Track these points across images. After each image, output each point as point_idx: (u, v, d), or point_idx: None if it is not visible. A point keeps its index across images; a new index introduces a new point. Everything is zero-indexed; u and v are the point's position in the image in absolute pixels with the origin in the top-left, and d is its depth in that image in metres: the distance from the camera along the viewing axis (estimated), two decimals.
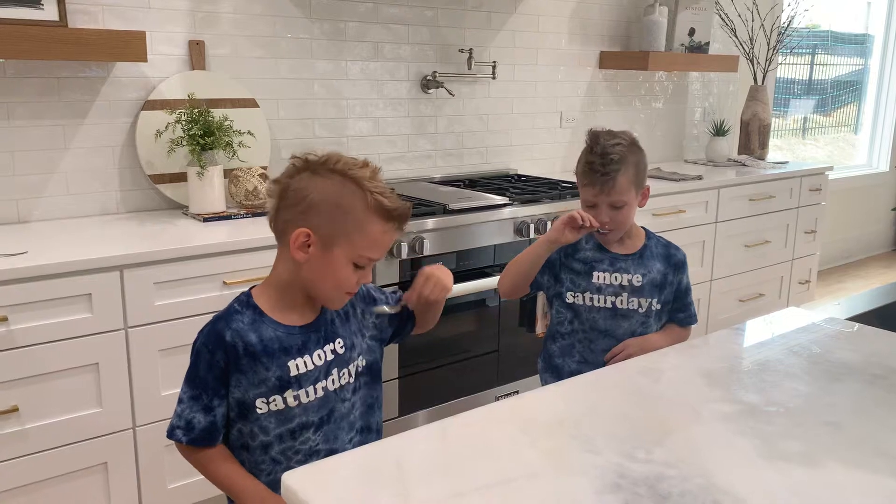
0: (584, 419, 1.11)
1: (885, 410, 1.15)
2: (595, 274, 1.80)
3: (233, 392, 1.25)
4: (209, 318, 2.10)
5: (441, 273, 1.38)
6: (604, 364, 1.76)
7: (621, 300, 1.79)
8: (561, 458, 0.99)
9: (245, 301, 1.28)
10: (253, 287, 1.32)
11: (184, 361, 1.99)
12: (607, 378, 1.29)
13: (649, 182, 3.22)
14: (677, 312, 1.86)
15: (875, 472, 0.97)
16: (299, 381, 1.26)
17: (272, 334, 1.25)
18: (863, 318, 1.71)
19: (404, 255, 2.37)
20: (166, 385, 2.02)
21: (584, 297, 1.81)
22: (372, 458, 1.01)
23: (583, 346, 1.83)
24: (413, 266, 2.42)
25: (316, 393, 1.28)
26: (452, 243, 2.50)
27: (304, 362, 1.26)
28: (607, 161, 1.70)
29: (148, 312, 1.96)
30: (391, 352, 2.41)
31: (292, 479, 0.93)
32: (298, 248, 1.22)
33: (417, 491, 0.91)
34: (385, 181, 1.25)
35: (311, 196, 1.21)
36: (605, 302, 1.80)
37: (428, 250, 2.42)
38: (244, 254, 2.09)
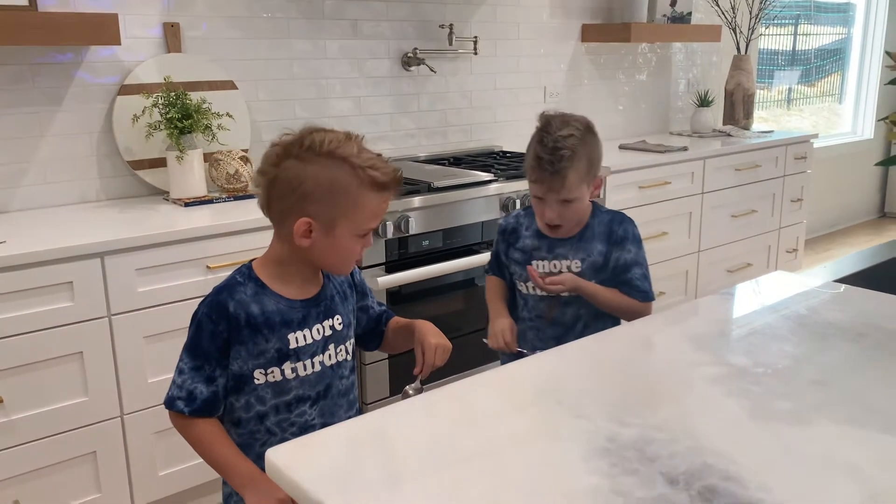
0: (570, 386, 1.10)
1: (872, 368, 1.14)
2: (534, 263, 1.71)
3: (232, 364, 1.26)
4: (193, 303, 2.08)
5: (441, 339, 1.38)
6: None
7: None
8: (548, 425, 0.98)
9: (247, 273, 1.28)
10: (253, 260, 1.32)
11: (169, 347, 1.99)
12: (592, 345, 1.28)
13: (634, 155, 3.26)
14: (620, 286, 1.68)
15: (864, 427, 0.96)
16: (297, 354, 1.27)
17: (274, 307, 1.26)
18: (849, 281, 1.71)
19: (390, 234, 2.35)
20: (153, 372, 2.00)
21: (527, 287, 1.73)
22: (357, 432, 0.99)
23: (533, 333, 1.76)
24: (400, 245, 2.40)
25: (313, 367, 1.30)
26: (439, 221, 2.48)
27: (304, 335, 1.28)
28: (557, 157, 1.56)
29: (131, 299, 1.94)
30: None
31: (276, 455, 0.92)
32: (301, 236, 1.22)
33: (405, 463, 0.90)
34: (369, 149, 1.24)
35: (304, 185, 1.20)
36: None
37: (414, 229, 2.40)
38: (227, 237, 2.07)
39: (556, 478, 0.86)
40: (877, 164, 5.70)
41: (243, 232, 2.08)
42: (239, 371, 1.26)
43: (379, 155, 1.24)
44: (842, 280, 1.71)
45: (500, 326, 1.70)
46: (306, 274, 1.30)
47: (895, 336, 1.26)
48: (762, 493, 0.81)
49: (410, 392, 1.36)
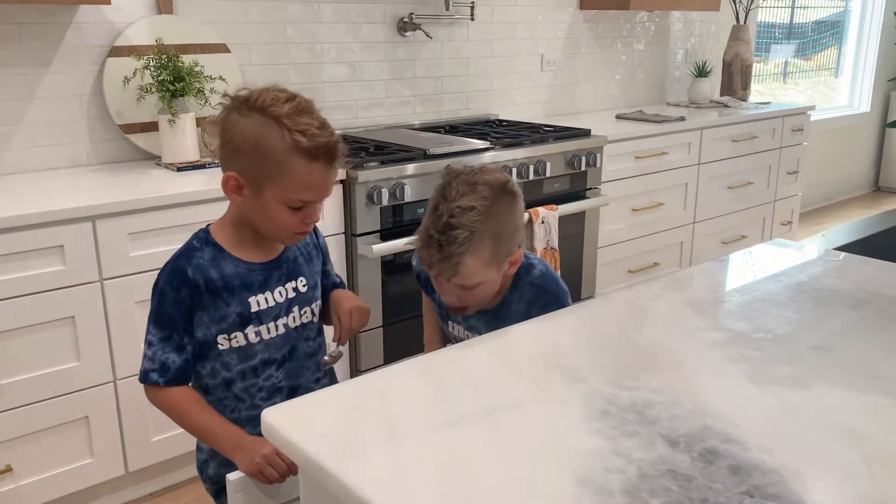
0: (568, 350, 1.09)
1: (873, 334, 1.14)
2: (450, 323, 1.49)
3: (195, 331, 1.24)
4: None
5: (356, 302, 1.36)
6: None
7: None
8: (547, 388, 0.97)
9: (204, 238, 1.25)
10: (210, 224, 1.28)
11: None
12: (591, 311, 1.27)
13: (631, 125, 3.23)
14: None
15: (865, 391, 0.96)
16: (260, 317, 1.25)
17: (233, 270, 1.23)
18: (845, 250, 1.70)
19: (385, 201, 2.33)
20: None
21: (450, 340, 1.54)
22: (354, 393, 0.98)
23: None
24: (395, 213, 2.38)
25: (277, 329, 1.28)
26: (433, 189, 2.45)
27: (266, 298, 1.26)
28: (448, 238, 1.22)
29: (123, 264, 1.91)
30: (376, 302, 2.38)
31: (272, 415, 0.90)
32: (231, 191, 1.19)
33: (402, 423, 0.89)
34: (316, 116, 1.16)
35: (234, 138, 1.16)
36: None
37: (409, 196, 2.37)
38: (220, 203, 2.03)
39: (557, 439, 0.85)
40: (888, 126, 5.67)
41: None
42: (203, 338, 1.24)
43: (323, 125, 1.16)
44: (839, 249, 1.70)
45: None
46: (262, 236, 1.26)
47: None
48: (763, 455, 0.81)
49: (328, 359, 1.34)
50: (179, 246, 1.96)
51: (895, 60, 5.67)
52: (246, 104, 1.15)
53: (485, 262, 1.26)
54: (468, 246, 1.23)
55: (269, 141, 1.13)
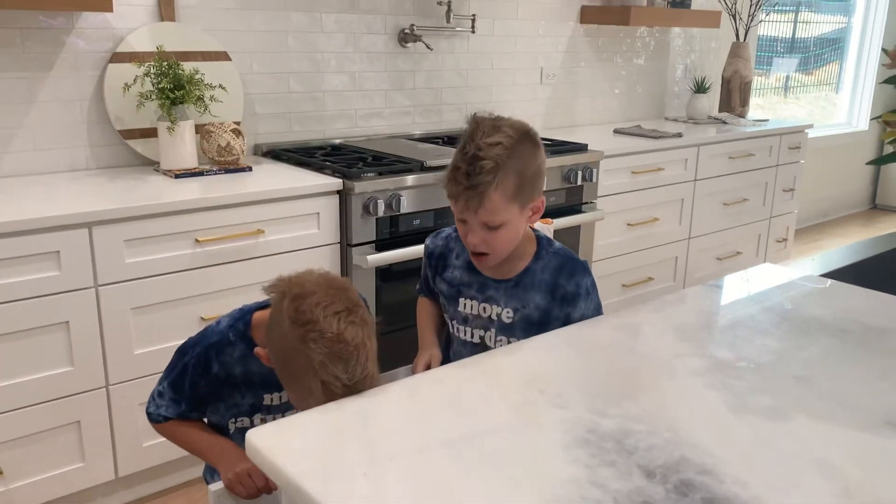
0: (554, 375, 1.10)
1: (853, 365, 1.15)
2: (461, 300, 1.46)
3: (210, 416, 1.33)
4: (182, 276, 2.06)
5: None
6: None
7: (489, 336, 1.44)
8: (529, 414, 0.98)
9: (242, 332, 1.27)
10: (258, 308, 1.28)
11: (156, 320, 1.99)
12: (579, 334, 1.28)
13: (628, 140, 3.24)
14: None
15: (842, 424, 0.97)
16: (269, 409, 1.32)
17: (257, 369, 1.27)
18: (838, 274, 1.72)
19: (381, 212, 2.34)
20: (139, 344, 2.00)
21: (452, 326, 1.50)
22: (338, 415, 0.99)
23: None
24: (391, 224, 2.39)
25: (283, 417, 1.33)
26: (430, 201, 2.47)
27: (280, 397, 1.31)
28: (475, 169, 1.26)
29: (118, 270, 1.93)
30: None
31: (256, 437, 0.92)
32: (265, 360, 1.21)
33: (384, 446, 0.90)
34: (353, 366, 1.09)
35: (271, 330, 1.17)
36: (473, 336, 1.46)
37: (405, 208, 2.39)
38: (217, 211, 2.05)
39: (536, 466, 0.86)
40: (868, 164, 5.70)
41: (233, 206, 2.07)
42: (216, 423, 1.33)
43: (356, 380, 1.09)
44: (830, 274, 1.71)
45: (418, 359, 1.51)
46: None
47: (878, 333, 1.27)
48: (737, 488, 0.82)
49: None
50: (175, 254, 1.98)
51: (888, 98, 5.69)
52: (293, 316, 1.11)
53: (509, 198, 1.30)
54: (493, 177, 1.27)
55: (295, 367, 1.13)
